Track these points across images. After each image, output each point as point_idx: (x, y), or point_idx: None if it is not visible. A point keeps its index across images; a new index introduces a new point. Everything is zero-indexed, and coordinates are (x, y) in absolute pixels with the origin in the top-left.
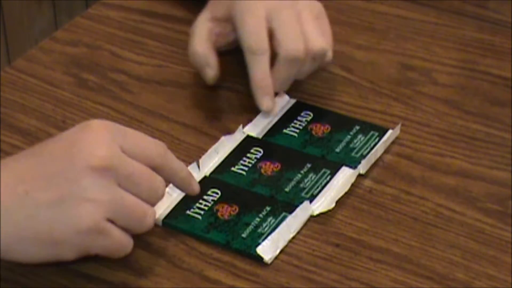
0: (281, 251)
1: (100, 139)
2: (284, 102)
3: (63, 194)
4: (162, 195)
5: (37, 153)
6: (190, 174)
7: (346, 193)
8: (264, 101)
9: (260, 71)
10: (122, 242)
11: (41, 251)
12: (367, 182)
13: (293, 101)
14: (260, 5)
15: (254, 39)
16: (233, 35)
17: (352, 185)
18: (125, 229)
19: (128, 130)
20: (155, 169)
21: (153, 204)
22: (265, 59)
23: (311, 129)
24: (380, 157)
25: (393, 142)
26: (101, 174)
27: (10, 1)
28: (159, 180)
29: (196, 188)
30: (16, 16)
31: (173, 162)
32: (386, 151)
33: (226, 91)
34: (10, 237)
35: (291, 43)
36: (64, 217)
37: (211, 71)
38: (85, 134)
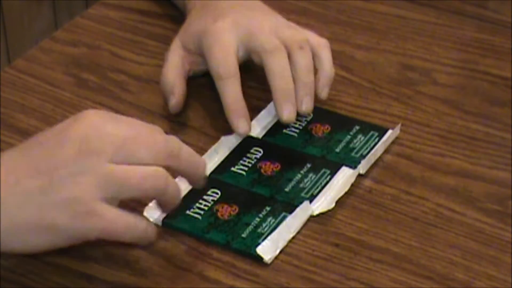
0: (281, 251)
1: (89, 123)
2: None
3: (52, 180)
4: (174, 152)
5: (29, 145)
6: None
7: (346, 193)
8: (240, 123)
9: (230, 95)
10: (121, 223)
11: (36, 238)
12: (367, 182)
13: None
14: (228, 34)
15: (222, 64)
16: (205, 66)
17: (352, 185)
18: (130, 204)
19: (121, 117)
20: None
21: (160, 164)
22: (233, 82)
23: (311, 129)
24: (380, 157)
25: (393, 142)
26: (87, 156)
27: (10, 1)
28: (163, 139)
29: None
30: (16, 16)
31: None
32: (386, 151)
33: None
34: (3, 227)
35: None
36: (54, 202)
37: (173, 99)
38: (75, 123)
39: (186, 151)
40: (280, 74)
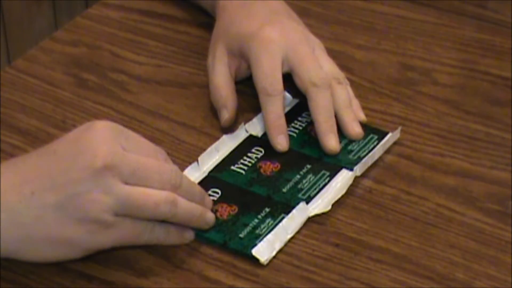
0: (281, 251)
1: (101, 138)
2: (287, 102)
3: (68, 195)
4: (176, 183)
5: (42, 153)
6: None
7: (345, 194)
8: (279, 139)
9: (274, 113)
10: (137, 229)
11: (52, 250)
12: (367, 182)
13: (295, 101)
14: (277, 46)
15: (270, 81)
16: (249, 71)
17: (352, 185)
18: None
19: (130, 133)
20: None
21: (171, 190)
22: (279, 100)
23: (311, 130)
24: (380, 157)
25: (393, 142)
26: (103, 174)
27: (10, 1)
28: (169, 169)
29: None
30: (16, 16)
31: None
32: (387, 151)
33: None
34: (19, 238)
35: (313, 72)
36: (71, 218)
37: (226, 114)
38: (87, 134)
39: (187, 182)
40: (325, 108)
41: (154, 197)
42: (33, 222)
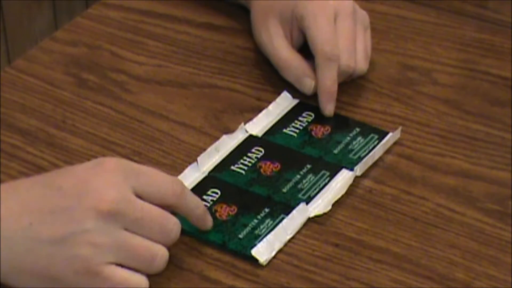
0: (281, 251)
1: (110, 180)
2: (287, 102)
3: (66, 233)
4: (176, 237)
5: (48, 184)
6: (206, 210)
7: (345, 194)
8: (328, 106)
9: (331, 78)
10: (127, 284)
11: (38, 285)
12: (367, 182)
13: (296, 101)
14: (331, 6)
15: (330, 45)
16: (300, 39)
17: (352, 185)
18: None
19: (142, 169)
20: (170, 207)
21: (166, 245)
22: (336, 66)
23: (311, 130)
24: (380, 157)
25: (393, 142)
26: (106, 218)
27: (10, 1)
28: (172, 222)
29: (209, 224)
30: (16, 16)
31: (189, 200)
32: (387, 151)
33: (226, 91)
34: (9, 268)
35: (346, 56)
36: (64, 256)
37: (311, 80)
38: (96, 174)
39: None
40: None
41: (152, 251)
42: (24, 253)
